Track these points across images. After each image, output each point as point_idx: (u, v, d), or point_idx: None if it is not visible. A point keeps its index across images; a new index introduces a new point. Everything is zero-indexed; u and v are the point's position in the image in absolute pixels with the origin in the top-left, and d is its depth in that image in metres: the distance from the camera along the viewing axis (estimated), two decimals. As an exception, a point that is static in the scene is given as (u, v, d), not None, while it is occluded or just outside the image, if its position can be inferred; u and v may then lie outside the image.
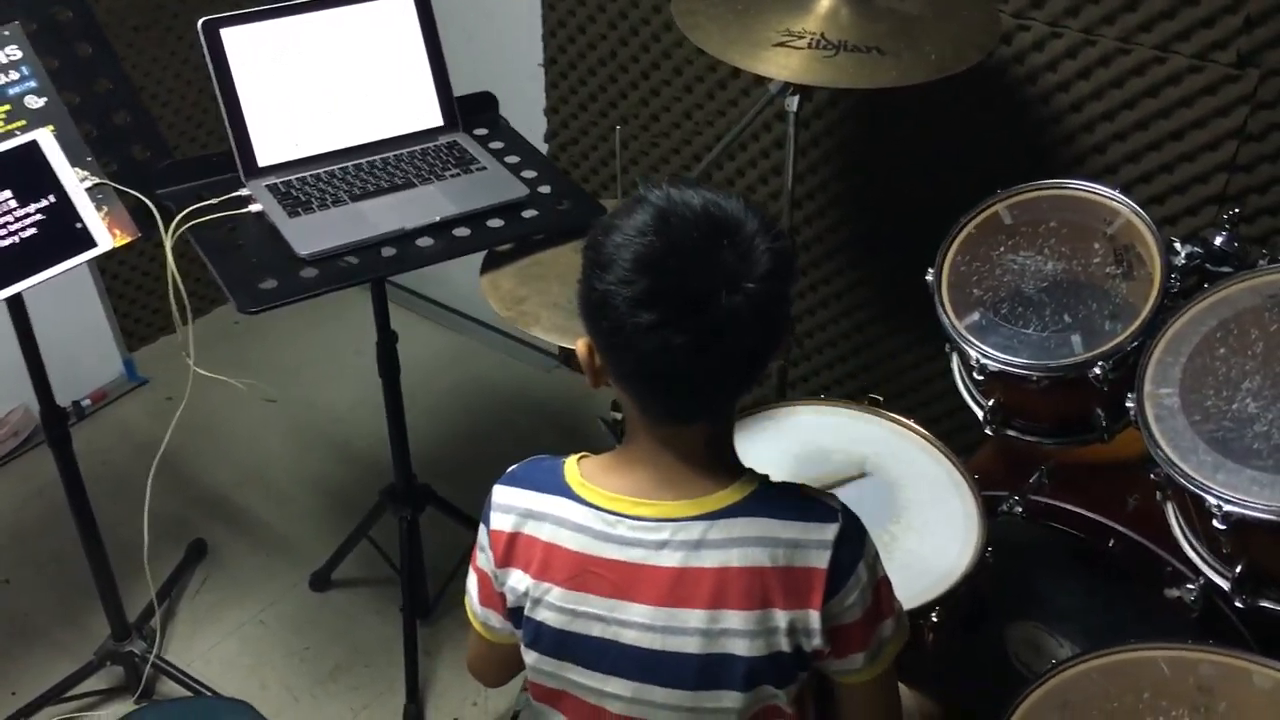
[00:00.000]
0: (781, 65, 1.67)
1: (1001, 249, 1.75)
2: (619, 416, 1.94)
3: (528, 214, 1.84)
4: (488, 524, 1.23)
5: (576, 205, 1.87)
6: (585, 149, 2.73)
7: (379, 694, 2.30)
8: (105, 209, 1.78)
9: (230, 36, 1.80)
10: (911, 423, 1.80)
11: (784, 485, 1.19)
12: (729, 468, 1.18)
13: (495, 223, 1.82)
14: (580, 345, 1.15)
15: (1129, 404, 1.56)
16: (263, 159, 1.85)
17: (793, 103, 1.88)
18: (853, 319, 2.49)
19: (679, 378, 1.09)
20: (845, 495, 1.69)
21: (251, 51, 1.82)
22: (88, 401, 2.96)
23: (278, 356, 3.16)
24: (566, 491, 1.19)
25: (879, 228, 2.37)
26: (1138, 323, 1.62)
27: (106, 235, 1.78)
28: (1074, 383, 1.65)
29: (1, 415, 2.81)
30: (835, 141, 2.33)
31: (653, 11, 2.42)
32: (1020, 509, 1.77)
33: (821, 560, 1.13)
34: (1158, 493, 1.61)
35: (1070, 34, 1.95)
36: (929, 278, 1.76)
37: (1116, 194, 1.72)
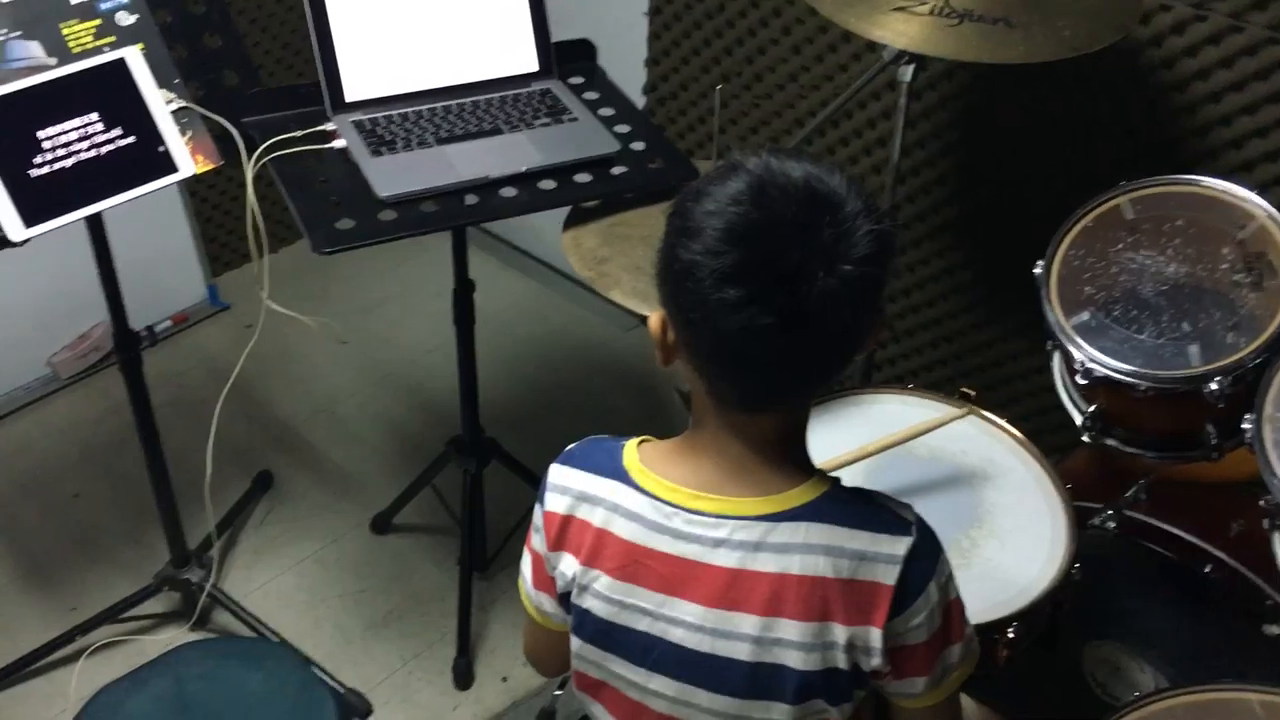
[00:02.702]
0: (899, 32, 1.56)
1: (1120, 245, 1.63)
2: (686, 389, 1.87)
3: (617, 170, 1.76)
4: (543, 504, 1.16)
5: (669, 165, 1.79)
6: (684, 104, 2.64)
7: (430, 644, 2.27)
8: (189, 134, 1.74)
9: (327, -37, 1.74)
10: (1004, 422, 1.70)
11: (857, 491, 1.11)
12: (799, 465, 1.10)
13: (583, 177, 1.74)
14: (653, 318, 1.07)
15: (1246, 425, 1.44)
16: (351, 94, 1.79)
17: (906, 72, 1.78)
18: (948, 303, 2.37)
19: (760, 361, 1.01)
20: (924, 493, 1.64)
21: (347, -20, 1.76)
22: (168, 323, 2.97)
23: (358, 291, 3.13)
24: (623, 477, 1.12)
25: (985, 211, 2.25)
26: (1263, 337, 1.49)
27: (189, 161, 1.74)
28: (1186, 396, 1.53)
29: (85, 330, 2.83)
30: (948, 115, 2.21)
31: (765, -35, 2.31)
32: (1114, 524, 1.66)
33: (889, 576, 1.05)
34: (1265, 521, 1.49)
35: (1216, 18, 1.80)
36: (1037, 270, 1.65)
37: (1253, 196, 1.58)
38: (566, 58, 1.93)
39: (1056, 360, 1.73)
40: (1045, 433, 2.05)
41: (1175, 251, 1.61)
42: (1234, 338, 1.52)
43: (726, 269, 0.96)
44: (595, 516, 1.12)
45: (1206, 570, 1.67)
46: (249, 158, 1.72)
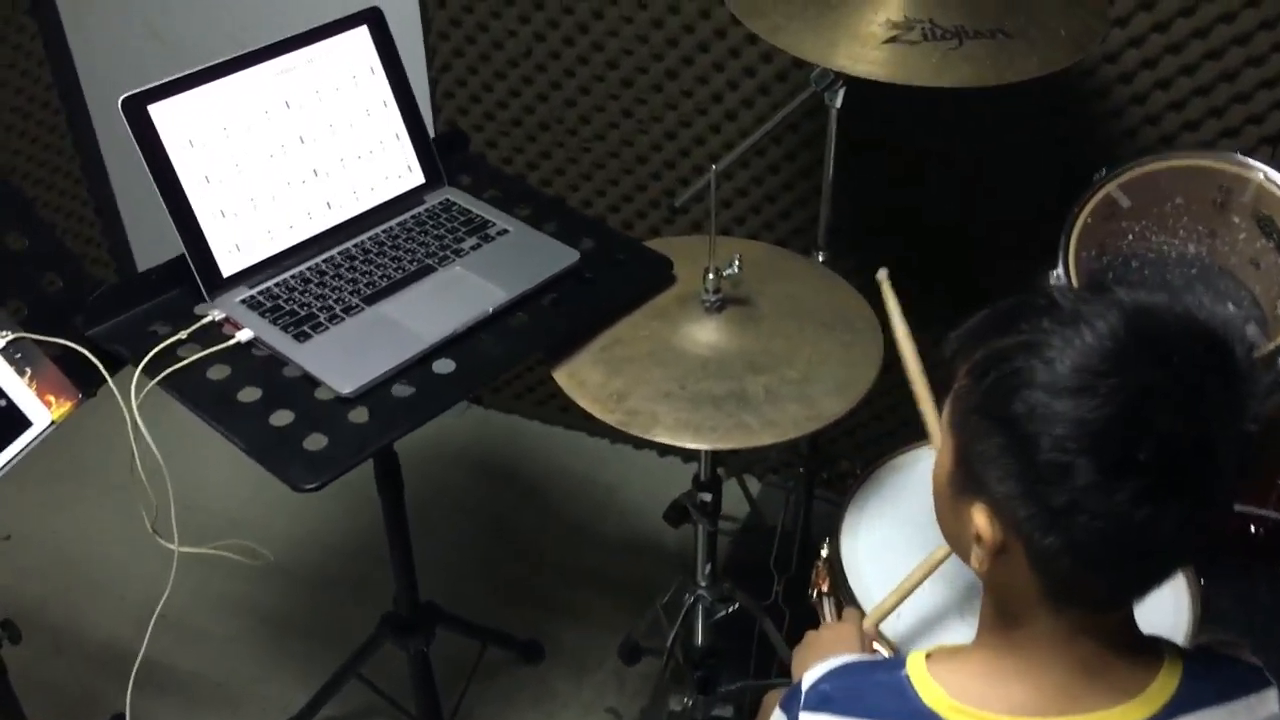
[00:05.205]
0: (901, 66, 1.37)
1: (1130, 236, 1.55)
2: (708, 499, 1.63)
3: (587, 281, 1.47)
4: None
5: (637, 258, 1.52)
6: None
7: None
8: (28, 371, 1.30)
9: (161, 114, 1.33)
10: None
11: (1202, 655, 0.95)
12: (1142, 647, 0.92)
13: (553, 298, 1.44)
14: (980, 521, 0.85)
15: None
16: (227, 266, 1.40)
17: (837, 97, 1.61)
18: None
19: (1155, 550, 0.82)
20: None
21: (190, 130, 1.35)
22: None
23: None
24: (932, 718, 0.89)
25: (955, 235, 2.04)
26: (1313, 301, 1.46)
27: (40, 408, 1.29)
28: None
29: None
30: (877, 131, 1.93)
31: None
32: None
33: None
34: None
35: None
36: (1054, 280, 1.54)
37: (1241, 158, 1.54)
38: (441, 154, 1.61)
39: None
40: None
41: (1187, 231, 1.55)
42: (1283, 307, 1.48)
43: (1123, 463, 0.76)
44: None
45: (1253, 531, 1.65)
46: (124, 381, 1.30)
